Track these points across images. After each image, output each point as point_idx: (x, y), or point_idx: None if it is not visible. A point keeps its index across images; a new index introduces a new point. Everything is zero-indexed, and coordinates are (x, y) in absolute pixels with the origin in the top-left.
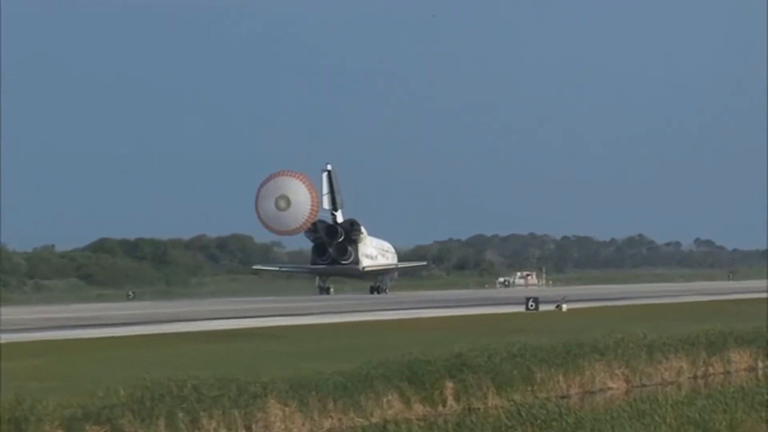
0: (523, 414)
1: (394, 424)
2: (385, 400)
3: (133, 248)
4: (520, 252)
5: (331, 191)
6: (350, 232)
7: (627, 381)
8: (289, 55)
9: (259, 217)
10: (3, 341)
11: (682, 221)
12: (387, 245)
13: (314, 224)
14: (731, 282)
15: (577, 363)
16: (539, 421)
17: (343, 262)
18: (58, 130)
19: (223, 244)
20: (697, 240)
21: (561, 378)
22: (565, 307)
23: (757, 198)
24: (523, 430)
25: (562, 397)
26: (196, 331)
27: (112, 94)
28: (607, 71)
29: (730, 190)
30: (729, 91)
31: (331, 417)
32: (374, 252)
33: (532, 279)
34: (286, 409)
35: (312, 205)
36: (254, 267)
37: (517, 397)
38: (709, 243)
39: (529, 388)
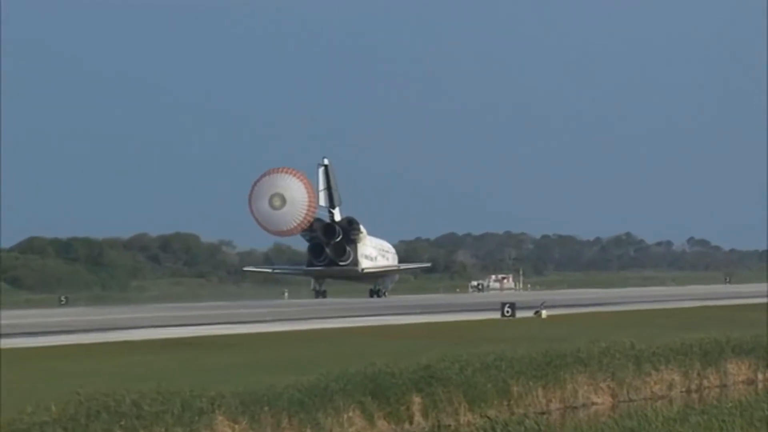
0: (499, 431)
1: None
2: (345, 416)
3: (66, 248)
4: (495, 253)
5: (328, 187)
6: (349, 231)
7: (613, 395)
8: (287, 53)
9: (254, 217)
10: None
11: (673, 219)
12: (387, 245)
13: (310, 223)
14: (728, 286)
15: (558, 375)
16: None
17: (341, 263)
18: None
19: (165, 243)
20: (690, 239)
21: (540, 392)
22: (544, 313)
23: (756, 194)
24: None
25: (542, 413)
26: (136, 340)
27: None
28: (598, 66)
29: (727, 186)
30: (726, 85)
31: None
32: (374, 253)
33: (509, 282)
34: (236, 426)
35: (309, 204)
36: (245, 268)
37: (491, 412)
38: (703, 243)
39: (505, 403)
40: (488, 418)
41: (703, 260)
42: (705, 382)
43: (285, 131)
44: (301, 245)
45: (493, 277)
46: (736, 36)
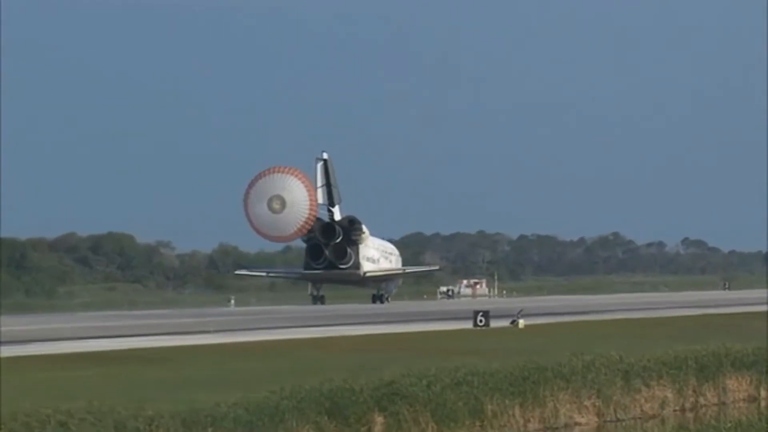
0: None
1: None
2: None
3: None
4: (467, 255)
5: (327, 184)
6: (350, 231)
7: (599, 414)
8: (284, 52)
9: (250, 222)
10: None
11: (666, 217)
12: (390, 247)
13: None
14: (727, 292)
15: (538, 392)
16: None
17: (342, 266)
18: None
19: (97, 245)
20: (685, 240)
21: (517, 410)
22: (522, 322)
23: (757, 190)
24: None
25: None
26: (64, 353)
27: None
28: (584, 57)
29: (725, 181)
30: (724, 79)
31: None
32: (376, 255)
33: (482, 288)
34: None
35: (311, 206)
36: (237, 272)
37: None
38: (699, 244)
39: (478, 423)
40: None
41: (699, 263)
42: (701, 400)
43: (243, 129)
44: (248, 246)
45: (465, 282)
46: (734, 31)
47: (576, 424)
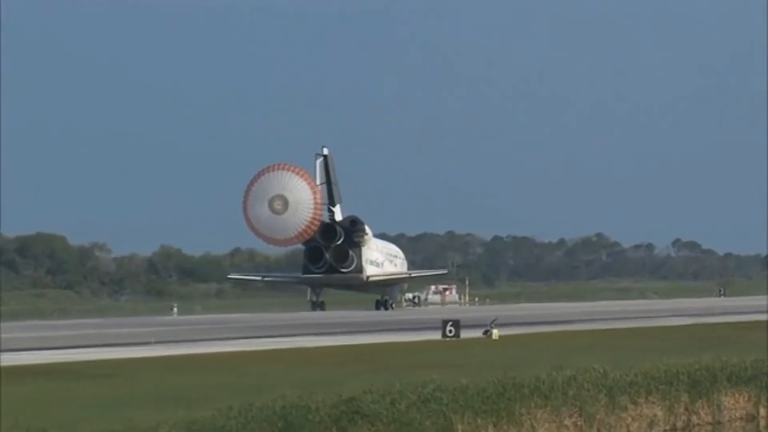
0: None
1: None
2: None
3: None
4: (435, 258)
5: (328, 181)
6: (351, 232)
7: None
8: (284, 52)
9: (250, 223)
10: None
11: (655, 217)
12: (395, 249)
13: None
14: (722, 299)
15: (513, 410)
16: None
17: (343, 270)
18: None
19: (24, 247)
20: (676, 242)
21: (491, 430)
22: (496, 333)
23: (755, 188)
24: None
25: None
26: None
27: None
28: (573, 51)
29: (721, 179)
30: (722, 74)
31: None
32: (380, 257)
33: (452, 295)
34: None
35: (315, 208)
36: (229, 276)
37: None
38: (692, 246)
39: None
40: None
41: (692, 267)
42: (694, 419)
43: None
44: (191, 248)
45: (433, 288)
46: (733, 30)
47: None
